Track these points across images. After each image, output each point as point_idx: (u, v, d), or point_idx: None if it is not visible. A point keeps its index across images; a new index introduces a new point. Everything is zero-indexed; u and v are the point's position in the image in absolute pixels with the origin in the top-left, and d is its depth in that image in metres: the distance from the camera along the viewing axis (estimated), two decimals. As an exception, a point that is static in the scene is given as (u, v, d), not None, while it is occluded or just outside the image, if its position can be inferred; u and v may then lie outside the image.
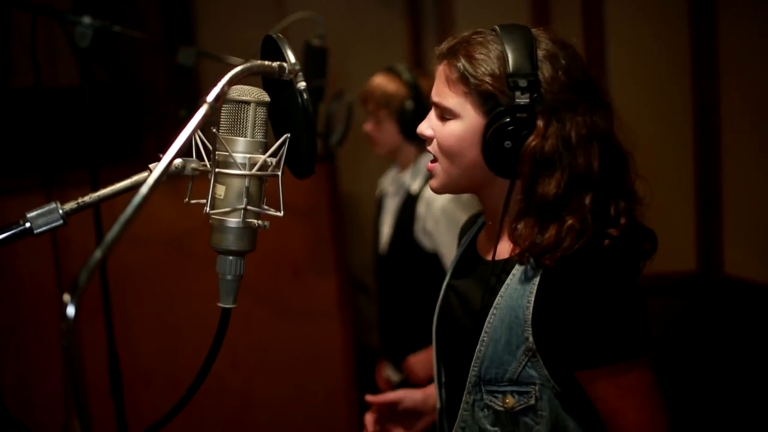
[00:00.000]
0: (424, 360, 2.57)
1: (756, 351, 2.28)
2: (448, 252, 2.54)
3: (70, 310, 0.74)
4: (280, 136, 1.13)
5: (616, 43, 2.71)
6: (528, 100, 1.24)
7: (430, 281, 2.57)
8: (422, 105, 2.56)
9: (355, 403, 3.14)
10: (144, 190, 0.85)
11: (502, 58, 1.26)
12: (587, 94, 1.29)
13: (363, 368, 3.21)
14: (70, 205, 1.02)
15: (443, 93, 1.32)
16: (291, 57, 1.10)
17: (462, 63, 1.28)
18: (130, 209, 0.82)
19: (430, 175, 1.38)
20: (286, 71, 1.10)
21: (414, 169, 2.64)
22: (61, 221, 1.01)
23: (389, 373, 2.77)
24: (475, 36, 1.31)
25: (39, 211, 1.00)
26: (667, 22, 2.59)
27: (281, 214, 1.10)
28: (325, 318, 3.13)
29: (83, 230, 2.05)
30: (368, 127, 2.68)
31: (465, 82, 1.28)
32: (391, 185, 2.76)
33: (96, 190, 1.04)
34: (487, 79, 1.26)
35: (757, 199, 2.31)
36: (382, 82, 2.63)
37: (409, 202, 2.62)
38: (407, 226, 2.61)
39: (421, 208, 2.57)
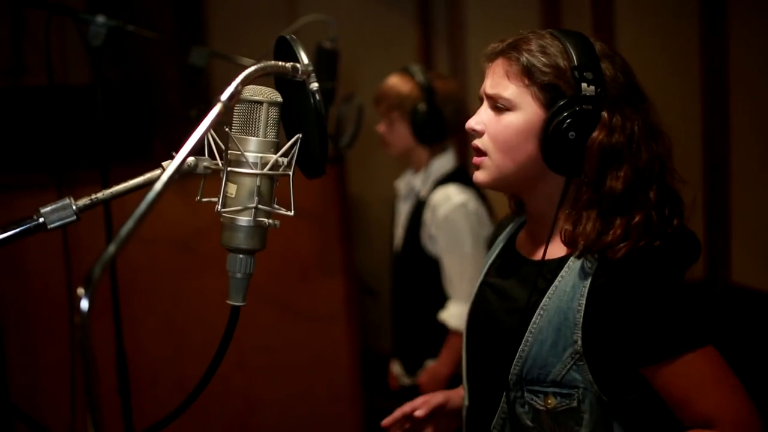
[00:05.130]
0: (433, 377, 2.58)
1: (763, 359, 2.27)
2: (445, 260, 2.55)
3: (84, 304, 0.74)
4: (292, 137, 1.13)
5: (626, 52, 2.71)
6: (594, 93, 1.26)
7: (435, 286, 2.60)
8: (435, 108, 2.56)
9: (360, 406, 3.14)
10: (158, 186, 0.86)
11: (566, 53, 1.28)
12: (640, 94, 1.32)
13: (369, 371, 3.21)
14: (84, 201, 1.02)
15: (501, 84, 1.31)
16: (304, 58, 1.11)
17: (525, 56, 1.29)
18: (144, 205, 0.83)
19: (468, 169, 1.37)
20: (299, 72, 1.10)
21: (425, 174, 2.63)
22: (75, 217, 1.02)
23: (399, 374, 2.77)
24: (532, 34, 1.32)
25: (52, 207, 1.01)
26: (677, 33, 2.59)
27: (292, 213, 1.11)
28: (332, 320, 3.13)
29: (92, 229, 2.06)
30: (381, 128, 2.68)
31: (527, 74, 1.29)
32: (405, 188, 2.76)
33: (107, 187, 1.05)
34: (551, 71, 1.27)
35: (765, 207, 2.31)
36: (396, 83, 2.62)
37: (419, 207, 2.63)
38: (415, 230, 2.62)
39: (427, 214, 2.58)
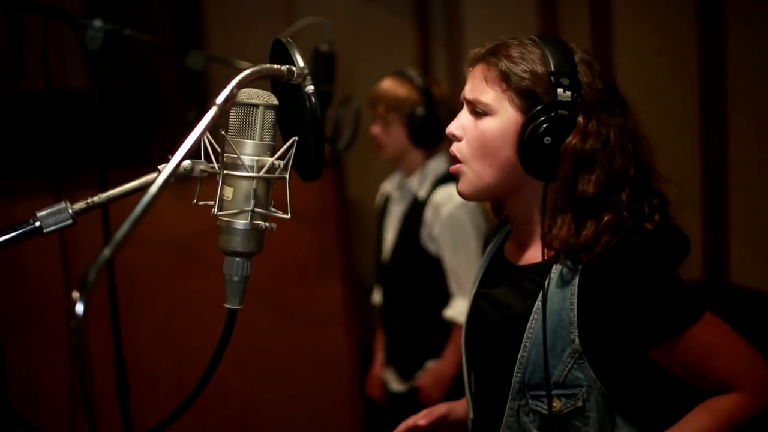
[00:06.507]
0: (437, 377, 2.57)
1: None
2: (450, 258, 2.55)
3: (79, 308, 0.75)
4: (289, 140, 1.13)
5: (624, 53, 2.71)
6: (570, 99, 1.27)
7: (434, 286, 2.60)
8: (433, 112, 2.58)
9: (359, 408, 3.14)
10: (153, 189, 0.86)
11: (543, 59, 1.29)
12: (618, 99, 1.33)
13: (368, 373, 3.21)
14: (80, 205, 1.03)
15: (480, 89, 1.32)
16: (300, 61, 1.11)
17: (503, 62, 1.30)
18: (139, 208, 0.83)
19: (439, 180, 1.38)
20: (295, 75, 1.11)
21: (421, 175, 2.64)
22: (71, 221, 1.02)
23: (391, 381, 2.76)
24: (513, 41, 1.33)
25: (49, 211, 1.01)
26: (674, 34, 2.59)
27: (288, 216, 1.11)
28: (331, 323, 3.14)
29: (91, 232, 2.06)
30: (376, 130, 2.68)
31: (505, 80, 1.30)
32: (397, 190, 2.76)
33: (105, 191, 1.05)
34: (529, 76, 1.29)
35: (764, 208, 2.31)
36: (393, 85, 2.63)
37: (416, 207, 2.63)
38: (413, 231, 2.62)
39: (428, 213, 2.58)
